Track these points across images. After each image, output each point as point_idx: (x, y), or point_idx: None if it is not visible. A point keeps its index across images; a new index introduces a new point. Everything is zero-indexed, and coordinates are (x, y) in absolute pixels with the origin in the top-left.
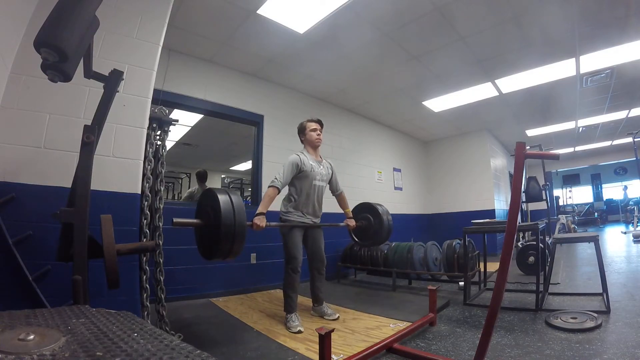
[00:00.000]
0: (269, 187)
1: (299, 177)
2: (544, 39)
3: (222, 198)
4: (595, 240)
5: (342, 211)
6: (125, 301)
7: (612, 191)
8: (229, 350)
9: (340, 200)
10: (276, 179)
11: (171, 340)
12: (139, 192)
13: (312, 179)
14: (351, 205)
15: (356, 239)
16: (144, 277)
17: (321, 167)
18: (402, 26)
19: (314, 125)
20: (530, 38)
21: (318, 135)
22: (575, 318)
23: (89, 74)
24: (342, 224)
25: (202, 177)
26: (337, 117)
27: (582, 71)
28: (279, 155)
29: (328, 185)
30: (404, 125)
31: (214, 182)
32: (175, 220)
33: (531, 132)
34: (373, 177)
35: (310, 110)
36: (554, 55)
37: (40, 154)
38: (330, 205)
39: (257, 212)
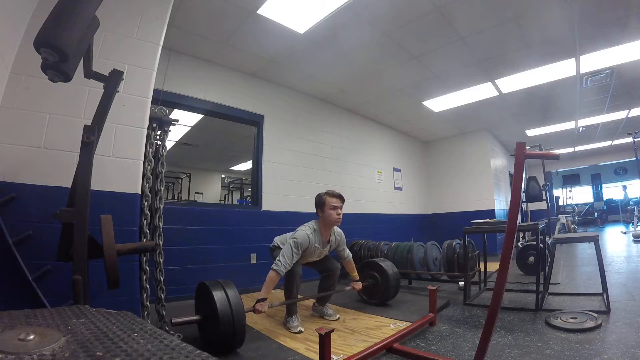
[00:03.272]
0: (272, 270)
1: None
2: (544, 39)
3: (218, 296)
4: (595, 240)
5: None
6: (125, 301)
7: (612, 191)
8: (228, 350)
9: (348, 266)
10: (280, 262)
11: (171, 340)
12: (139, 192)
13: (309, 258)
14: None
15: (364, 298)
16: (144, 277)
17: (325, 249)
18: (402, 26)
19: (335, 202)
20: (530, 38)
21: (338, 214)
22: (575, 318)
23: (89, 74)
24: (347, 287)
25: None
26: (337, 117)
27: (582, 71)
28: (279, 155)
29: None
30: (403, 125)
31: (214, 182)
32: (174, 320)
33: (531, 132)
34: (373, 177)
35: (310, 110)
36: (554, 55)
37: (40, 154)
38: None
39: (260, 297)
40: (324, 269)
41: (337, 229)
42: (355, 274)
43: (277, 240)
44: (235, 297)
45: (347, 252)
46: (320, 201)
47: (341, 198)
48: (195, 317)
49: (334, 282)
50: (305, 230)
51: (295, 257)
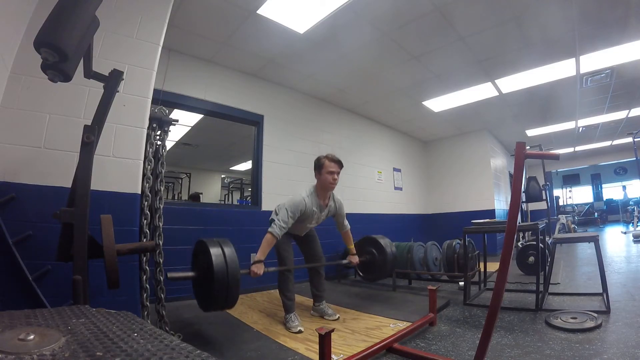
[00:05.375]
0: (268, 232)
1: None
2: (544, 39)
3: (214, 251)
4: (595, 240)
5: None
6: (125, 301)
7: (612, 191)
8: (229, 350)
9: (345, 237)
10: (275, 225)
11: (171, 340)
12: (139, 192)
13: (307, 223)
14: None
15: (361, 274)
16: (144, 277)
17: (322, 213)
18: (402, 26)
19: (332, 167)
20: (530, 38)
21: (334, 179)
22: (575, 318)
23: (89, 74)
24: (345, 261)
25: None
26: (337, 117)
27: (582, 71)
28: (279, 155)
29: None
30: (403, 125)
31: (214, 182)
32: (170, 275)
33: (531, 132)
34: (373, 177)
35: (310, 110)
36: (554, 55)
37: (40, 154)
38: None
39: (255, 259)
40: (312, 255)
41: (337, 196)
42: (352, 247)
43: (276, 209)
44: (231, 254)
45: (347, 223)
46: (318, 164)
47: (339, 163)
48: (190, 274)
49: (320, 277)
50: (302, 194)
51: (291, 220)
